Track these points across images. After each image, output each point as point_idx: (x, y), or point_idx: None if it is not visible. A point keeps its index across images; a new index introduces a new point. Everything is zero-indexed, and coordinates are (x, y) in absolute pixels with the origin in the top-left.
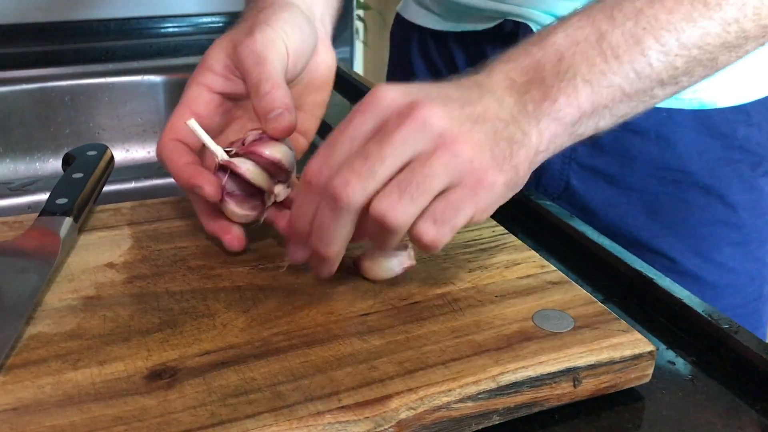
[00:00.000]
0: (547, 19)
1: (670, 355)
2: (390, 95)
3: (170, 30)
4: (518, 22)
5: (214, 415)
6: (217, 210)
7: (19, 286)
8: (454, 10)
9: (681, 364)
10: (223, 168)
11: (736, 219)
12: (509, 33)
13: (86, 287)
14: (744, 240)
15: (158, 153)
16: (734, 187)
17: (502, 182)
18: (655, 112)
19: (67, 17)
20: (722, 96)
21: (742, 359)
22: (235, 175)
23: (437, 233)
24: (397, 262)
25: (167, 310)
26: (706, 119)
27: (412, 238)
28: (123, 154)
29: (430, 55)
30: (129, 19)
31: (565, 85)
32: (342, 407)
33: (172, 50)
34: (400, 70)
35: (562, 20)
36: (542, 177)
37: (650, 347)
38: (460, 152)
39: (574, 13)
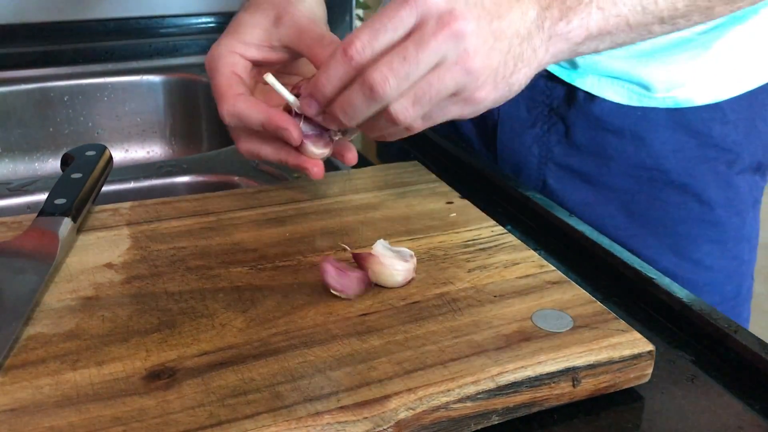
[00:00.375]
0: None
1: (669, 354)
2: None
3: (169, 30)
4: None
5: (212, 416)
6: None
7: (18, 286)
8: None
9: (680, 364)
10: (297, 114)
11: (713, 217)
12: None
13: (85, 287)
14: (721, 238)
15: (234, 109)
16: (710, 185)
17: (492, 99)
18: (631, 111)
19: (66, 17)
20: (697, 94)
21: (742, 359)
22: (307, 119)
23: (422, 124)
24: (402, 274)
25: (166, 310)
26: (681, 117)
27: (387, 111)
28: (122, 154)
29: None
30: (128, 19)
31: (581, 8)
32: (341, 407)
33: (172, 50)
34: None
35: None
36: (519, 176)
37: (649, 347)
38: (473, 69)
39: None
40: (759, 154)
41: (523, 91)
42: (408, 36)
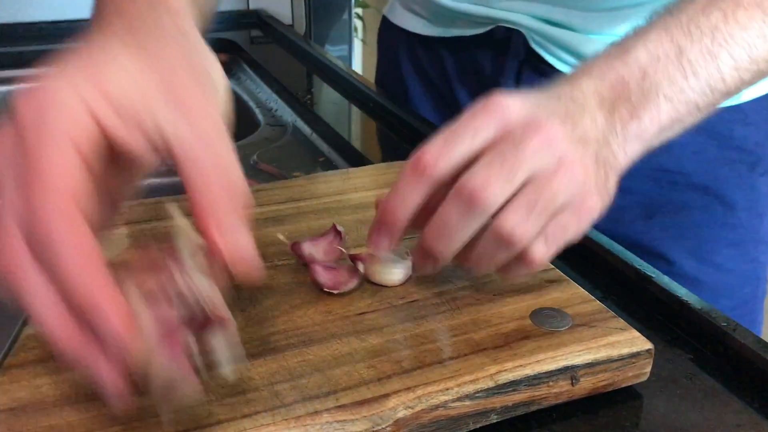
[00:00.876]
0: (539, 24)
1: (668, 353)
2: (515, 105)
3: None
4: (510, 29)
5: (211, 415)
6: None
7: None
8: (444, 14)
9: (679, 362)
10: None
11: (735, 219)
12: (501, 39)
13: None
14: (741, 240)
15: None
16: (732, 187)
17: (600, 207)
18: None
19: (67, 16)
20: None
21: (740, 357)
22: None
23: (547, 252)
24: (400, 273)
25: None
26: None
27: (523, 255)
28: None
29: (419, 62)
30: None
31: (649, 103)
32: (339, 406)
33: None
34: (390, 77)
35: (637, 32)
36: None
37: (648, 345)
38: (576, 175)
39: (651, 26)
40: None
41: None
42: (493, 145)
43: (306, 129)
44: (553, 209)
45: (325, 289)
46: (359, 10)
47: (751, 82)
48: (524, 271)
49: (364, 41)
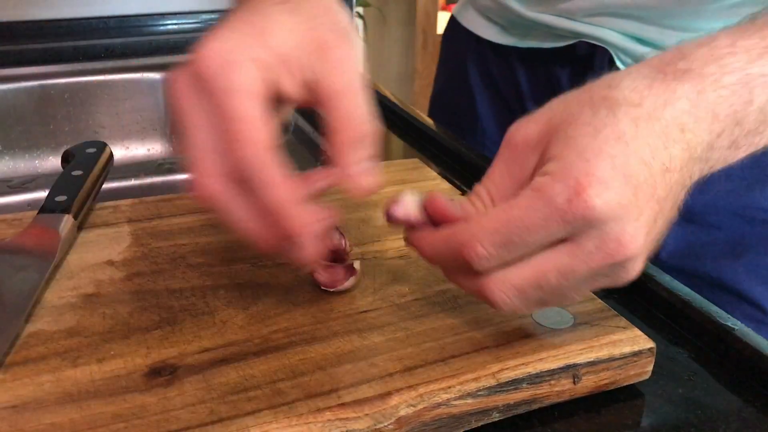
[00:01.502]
0: (627, 43)
1: (670, 351)
2: (602, 214)
3: (170, 27)
4: (594, 45)
5: (213, 413)
6: None
7: (19, 283)
8: (520, 24)
9: (681, 361)
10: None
11: None
12: (584, 55)
13: (85, 284)
14: None
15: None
16: None
17: (642, 265)
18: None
19: (66, 14)
20: None
21: (742, 356)
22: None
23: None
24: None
25: (167, 307)
26: None
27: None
28: (122, 151)
29: (488, 69)
30: (128, 17)
31: (759, 130)
32: (342, 404)
33: (172, 47)
34: (455, 81)
35: (737, 49)
36: None
37: (650, 344)
38: (632, 270)
39: (745, 47)
40: None
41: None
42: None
43: (307, 128)
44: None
45: (323, 287)
46: (360, 9)
47: None
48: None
49: (365, 40)
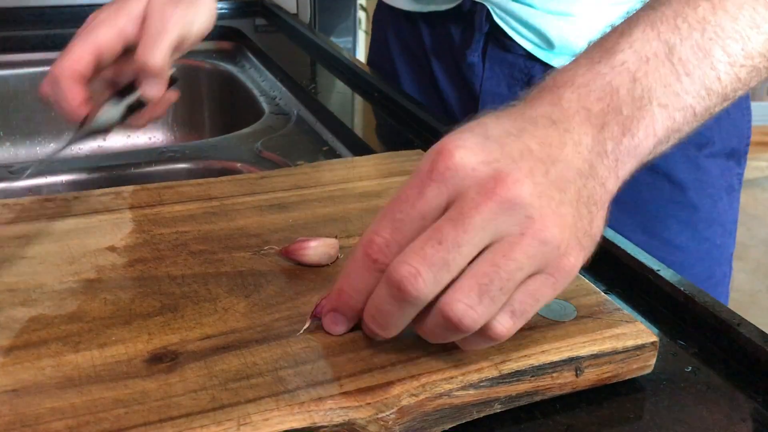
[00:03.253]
0: (503, 2)
1: (672, 346)
2: (468, 159)
3: None
4: (476, 3)
5: (215, 399)
6: None
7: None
8: None
9: (683, 356)
10: None
11: (684, 198)
12: (467, 13)
13: (87, 270)
14: (691, 219)
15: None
16: (680, 167)
17: (582, 261)
18: None
19: (68, 1)
20: None
21: (744, 351)
22: None
23: (512, 326)
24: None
25: (168, 293)
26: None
27: (484, 331)
28: (124, 139)
29: (403, 37)
30: None
31: (643, 114)
32: (343, 393)
33: None
34: (380, 55)
35: (622, 29)
36: None
37: (653, 338)
38: (549, 238)
39: (634, 22)
40: (732, 141)
41: (503, 68)
42: (444, 215)
43: (310, 118)
44: (514, 284)
45: (299, 262)
46: (363, 1)
47: (746, 81)
48: (487, 345)
49: (367, 32)
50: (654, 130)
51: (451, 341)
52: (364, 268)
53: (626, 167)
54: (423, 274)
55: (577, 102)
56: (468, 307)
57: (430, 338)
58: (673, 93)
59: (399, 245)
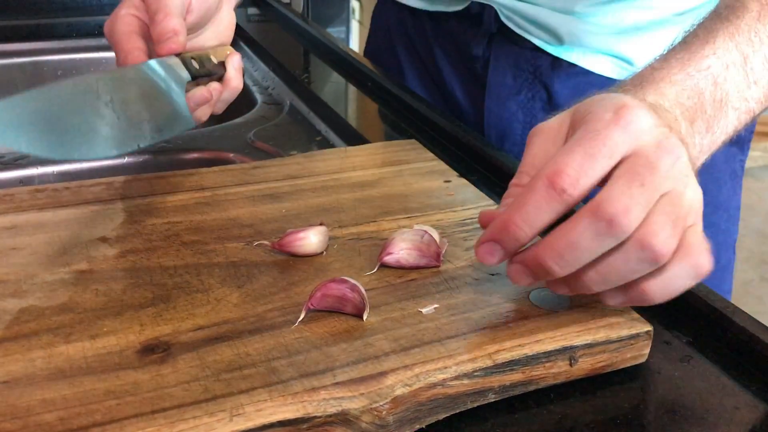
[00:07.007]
0: (510, 2)
1: (666, 335)
2: (646, 120)
3: None
4: (483, 5)
5: (207, 390)
6: None
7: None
8: None
9: (677, 345)
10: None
11: None
12: (475, 14)
13: (78, 261)
14: None
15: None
16: None
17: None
18: (612, 82)
19: None
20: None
21: (738, 340)
22: None
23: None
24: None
25: (160, 284)
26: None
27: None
28: None
29: (408, 33)
30: None
31: (720, 114)
32: (337, 383)
33: None
34: (382, 49)
35: (705, 37)
36: (505, 142)
37: (647, 327)
38: (698, 188)
39: (713, 32)
40: None
41: (509, 59)
42: (627, 163)
43: (303, 108)
44: (685, 221)
45: (292, 254)
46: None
47: None
48: (656, 287)
49: (361, 22)
50: (726, 130)
51: (609, 288)
52: (547, 199)
53: (702, 159)
54: (633, 209)
55: (675, 97)
56: (666, 239)
57: (602, 282)
58: (743, 98)
59: (589, 179)
